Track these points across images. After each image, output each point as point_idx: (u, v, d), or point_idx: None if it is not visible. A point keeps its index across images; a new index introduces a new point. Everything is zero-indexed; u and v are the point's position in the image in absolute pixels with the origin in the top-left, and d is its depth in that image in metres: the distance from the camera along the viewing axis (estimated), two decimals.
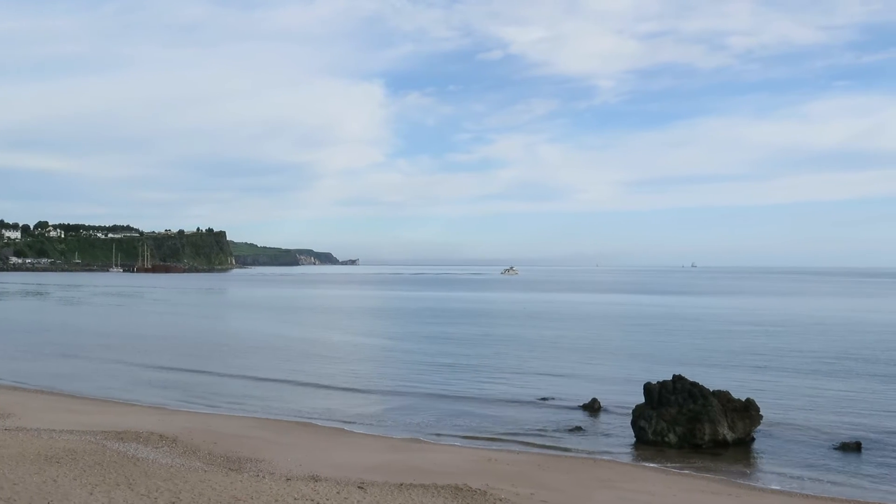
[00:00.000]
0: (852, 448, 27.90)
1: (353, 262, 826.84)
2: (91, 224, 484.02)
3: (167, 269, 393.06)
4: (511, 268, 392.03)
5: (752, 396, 30.44)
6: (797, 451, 27.79)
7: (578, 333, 71.95)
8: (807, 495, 22.34)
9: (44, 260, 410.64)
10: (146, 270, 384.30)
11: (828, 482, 24.01)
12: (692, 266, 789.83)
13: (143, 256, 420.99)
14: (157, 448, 24.11)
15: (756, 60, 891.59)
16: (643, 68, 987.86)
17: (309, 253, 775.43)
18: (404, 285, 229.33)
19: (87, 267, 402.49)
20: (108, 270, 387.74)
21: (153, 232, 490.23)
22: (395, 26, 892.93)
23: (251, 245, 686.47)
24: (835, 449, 27.99)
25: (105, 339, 66.11)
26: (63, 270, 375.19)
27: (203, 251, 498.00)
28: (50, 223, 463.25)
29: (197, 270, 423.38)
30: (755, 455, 27.56)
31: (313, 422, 32.58)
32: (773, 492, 22.72)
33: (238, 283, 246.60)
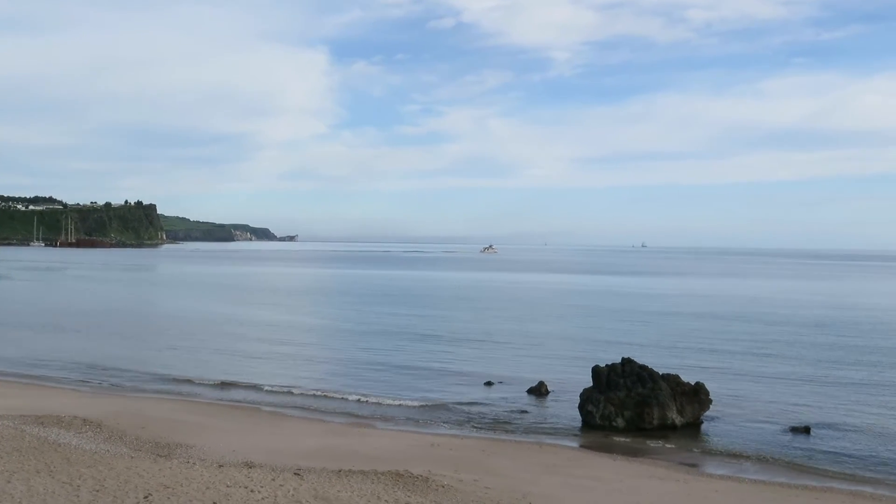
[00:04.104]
0: (801, 432, 28.67)
1: (291, 239, 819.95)
2: (10, 195, 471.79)
3: (92, 244, 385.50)
4: (490, 246, 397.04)
5: (701, 380, 31.05)
6: (746, 435, 28.42)
7: (525, 315, 72.47)
8: (755, 480, 22.87)
9: None
10: (69, 245, 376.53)
11: (777, 467, 24.63)
12: (643, 246, 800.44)
13: (66, 230, 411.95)
14: (80, 433, 23.73)
15: (715, 35, 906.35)
16: (600, 40, 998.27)
17: (245, 228, 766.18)
18: (360, 264, 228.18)
19: (5, 241, 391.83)
20: (28, 244, 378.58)
21: (78, 204, 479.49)
22: None
23: (183, 219, 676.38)
24: (784, 433, 28.71)
25: (23, 317, 64.64)
26: None
27: (131, 225, 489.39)
28: None
29: (125, 245, 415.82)
30: (704, 440, 28.12)
31: (248, 406, 32.35)
32: (722, 477, 23.20)
33: (168, 260, 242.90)
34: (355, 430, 28.08)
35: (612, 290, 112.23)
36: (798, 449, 26.71)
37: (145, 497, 15.83)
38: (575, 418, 30.44)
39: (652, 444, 27.33)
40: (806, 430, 28.80)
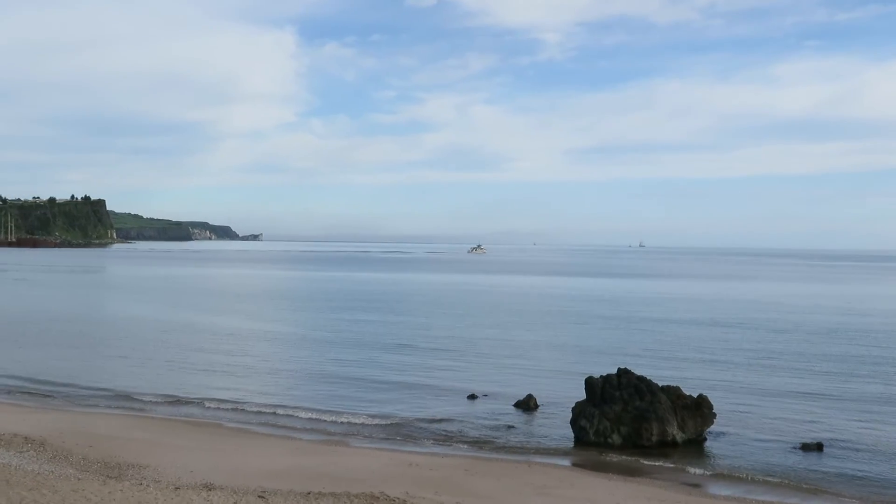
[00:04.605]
0: (812, 449, 28.78)
1: (255, 238, 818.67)
2: None
3: (35, 244, 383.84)
4: (479, 246, 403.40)
5: (704, 392, 31.16)
6: (753, 453, 28.52)
7: (512, 322, 72.52)
8: (763, 502, 22.96)
9: None
10: (9, 244, 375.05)
11: (786, 488, 24.71)
12: (640, 245, 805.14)
13: (5, 228, 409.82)
14: (21, 452, 23.54)
15: (720, 15, 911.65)
16: (594, 20, 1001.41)
17: (204, 226, 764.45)
18: (332, 266, 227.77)
19: None
20: None
21: (18, 200, 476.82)
22: None
23: (136, 216, 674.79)
24: (794, 451, 28.81)
25: None
26: None
27: (78, 223, 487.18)
28: None
29: (71, 245, 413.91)
30: (707, 458, 28.21)
31: (207, 422, 32.20)
32: (727, 498, 23.29)
33: (119, 261, 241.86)
34: (326, 448, 28.02)
35: (606, 294, 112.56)
36: (809, 468, 26.81)
37: None
38: (567, 435, 30.48)
39: (650, 462, 27.37)
40: (818, 448, 28.93)
